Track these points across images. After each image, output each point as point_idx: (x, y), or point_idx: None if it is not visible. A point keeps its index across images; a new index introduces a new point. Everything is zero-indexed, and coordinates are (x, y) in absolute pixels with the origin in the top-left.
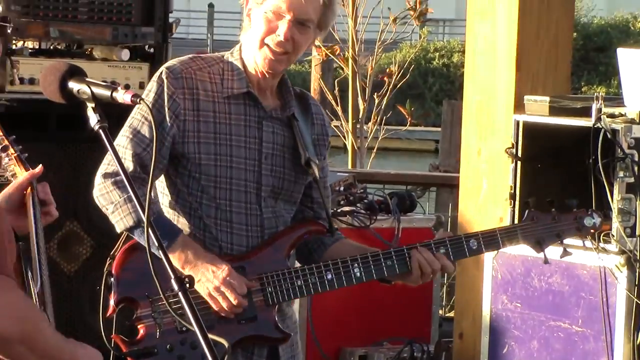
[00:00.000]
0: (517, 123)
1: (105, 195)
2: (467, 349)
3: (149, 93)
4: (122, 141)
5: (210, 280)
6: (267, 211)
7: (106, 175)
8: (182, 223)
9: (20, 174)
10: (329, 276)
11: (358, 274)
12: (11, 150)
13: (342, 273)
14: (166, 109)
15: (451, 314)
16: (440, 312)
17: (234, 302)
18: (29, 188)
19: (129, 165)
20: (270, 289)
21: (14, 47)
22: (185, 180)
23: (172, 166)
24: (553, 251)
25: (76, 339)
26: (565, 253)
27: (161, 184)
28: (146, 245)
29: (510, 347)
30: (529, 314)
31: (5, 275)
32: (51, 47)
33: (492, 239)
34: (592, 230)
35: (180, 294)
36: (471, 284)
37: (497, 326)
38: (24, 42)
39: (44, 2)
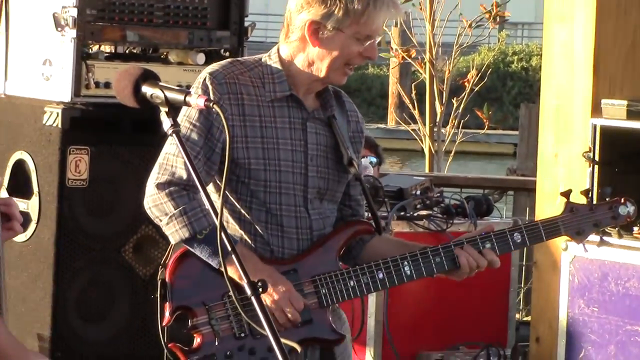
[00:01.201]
0: (595, 127)
1: (159, 206)
2: (544, 353)
3: None
4: (173, 149)
5: (270, 294)
6: (314, 213)
7: (159, 186)
8: (232, 228)
9: None
10: (381, 275)
11: (408, 272)
12: None
13: (393, 272)
14: (214, 115)
15: (528, 318)
16: (517, 316)
17: (291, 318)
18: None
19: (182, 173)
20: (324, 291)
21: (89, 51)
22: (234, 186)
23: (218, 172)
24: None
25: (151, 343)
26: (602, 242)
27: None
28: (219, 251)
29: (587, 352)
30: (606, 318)
31: None
32: (127, 51)
33: (535, 232)
34: (627, 219)
35: (253, 298)
36: (548, 288)
37: (574, 330)
38: (100, 46)
39: (120, 7)
